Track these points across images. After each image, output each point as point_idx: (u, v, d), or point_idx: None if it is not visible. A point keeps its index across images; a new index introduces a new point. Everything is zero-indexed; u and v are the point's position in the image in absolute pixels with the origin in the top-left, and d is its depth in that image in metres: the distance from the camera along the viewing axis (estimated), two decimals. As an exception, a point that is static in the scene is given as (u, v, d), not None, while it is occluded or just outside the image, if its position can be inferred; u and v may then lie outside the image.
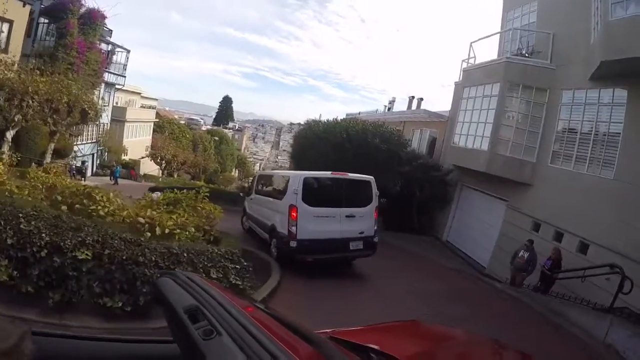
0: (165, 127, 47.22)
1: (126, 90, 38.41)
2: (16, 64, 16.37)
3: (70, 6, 21.88)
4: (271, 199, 8.95)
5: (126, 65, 32.21)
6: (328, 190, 7.96)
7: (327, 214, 7.63)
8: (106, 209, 6.37)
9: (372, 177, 8.54)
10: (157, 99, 49.88)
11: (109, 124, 32.14)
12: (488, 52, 12.88)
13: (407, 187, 15.84)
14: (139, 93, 42.55)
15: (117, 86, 32.28)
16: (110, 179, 26.88)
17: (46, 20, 22.29)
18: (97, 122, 29.10)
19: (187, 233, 6.78)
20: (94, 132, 29.63)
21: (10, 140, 14.20)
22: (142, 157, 36.57)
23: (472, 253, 12.75)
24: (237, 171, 64.57)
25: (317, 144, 15.68)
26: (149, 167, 38.41)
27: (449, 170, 14.87)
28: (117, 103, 35.60)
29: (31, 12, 21.78)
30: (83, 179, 25.19)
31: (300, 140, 17.06)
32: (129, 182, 27.31)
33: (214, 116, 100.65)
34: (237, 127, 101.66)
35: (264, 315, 1.17)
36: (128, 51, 31.90)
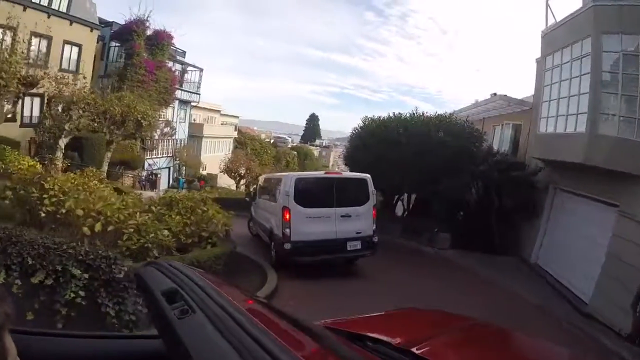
0: (247, 143, 48.48)
1: (205, 108, 40.27)
2: (88, 85, 17.24)
3: (135, 28, 23.06)
4: (269, 202, 8.89)
5: (200, 83, 33.44)
6: (321, 191, 7.73)
7: (321, 215, 7.49)
8: (53, 200, 5.80)
9: (368, 175, 8.39)
10: (237, 117, 51.77)
11: (185, 140, 33.50)
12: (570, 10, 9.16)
13: (485, 193, 12.50)
14: (218, 110, 44.40)
15: (192, 103, 33.64)
16: (177, 189, 27.49)
17: (117, 44, 23.83)
18: (172, 137, 30.63)
19: (148, 237, 5.98)
20: (170, 147, 30.98)
21: (62, 147, 14.53)
22: (220, 171, 37.48)
23: (568, 281, 8.91)
24: None
25: (370, 143, 13.34)
26: (227, 181, 39.38)
27: (537, 170, 11.15)
28: (194, 120, 37.27)
29: (103, 37, 23.54)
30: (155, 189, 26.25)
31: (354, 141, 14.98)
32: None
33: (301, 134, 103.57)
34: (324, 144, 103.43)
35: (250, 301, 1.22)
36: (201, 70, 33.15)
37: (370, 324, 1.81)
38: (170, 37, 25.93)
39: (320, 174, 8.35)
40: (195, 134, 35.91)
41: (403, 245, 12.32)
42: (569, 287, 8.69)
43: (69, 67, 19.50)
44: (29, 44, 17.05)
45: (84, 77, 18.46)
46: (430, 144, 12.11)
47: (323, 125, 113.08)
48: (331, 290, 7.05)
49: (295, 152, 58.19)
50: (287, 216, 7.30)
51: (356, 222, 7.70)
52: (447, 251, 11.61)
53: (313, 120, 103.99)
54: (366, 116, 14.71)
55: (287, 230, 7.30)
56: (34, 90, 14.77)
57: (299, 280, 7.48)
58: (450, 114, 13.82)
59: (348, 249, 7.59)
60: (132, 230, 6.09)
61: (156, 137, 28.17)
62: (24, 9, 16.90)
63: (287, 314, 1.11)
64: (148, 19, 23.93)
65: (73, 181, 10.23)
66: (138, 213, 6.80)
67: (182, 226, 7.01)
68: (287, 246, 7.32)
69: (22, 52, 13.85)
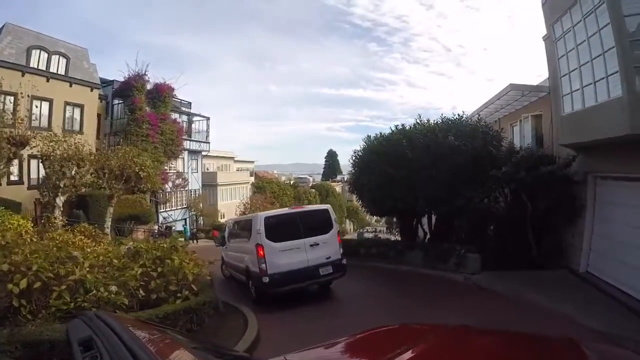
0: (265, 187, 47.97)
1: (217, 156, 40.31)
2: (93, 144, 17.09)
3: (134, 83, 23.39)
4: (242, 243, 9.28)
5: (208, 132, 33.54)
6: (288, 225, 8.22)
7: (292, 247, 7.96)
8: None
9: (328, 205, 9.47)
10: (252, 162, 51.73)
11: (200, 189, 33.15)
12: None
13: (514, 199, 10.92)
14: (232, 157, 44.46)
15: (203, 153, 33.61)
16: (193, 241, 26.67)
17: (120, 101, 24.16)
18: (185, 188, 30.32)
19: (86, 296, 5.18)
20: (185, 198, 30.58)
21: (60, 205, 14.05)
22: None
23: (633, 289, 7.07)
24: (349, 222, 63.46)
25: (374, 163, 12.09)
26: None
27: (569, 160, 9.52)
28: (207, 169, 37.16)
29: (106, 96, 23.96)
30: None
31: (358, 164, 13.64)
32: (207, 243, 26.74)
33: (322, 172, 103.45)
34: (345, 179, 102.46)
35: (172, 343, 1.24)
36: (207, 118, 33.36)
37: (336, 351, 1.67)
38: (170, 89, 26.25)
39: (285, 210, 9.18)
40: (210, 182, 35.65)
41: (426, 276, 10.65)
42: (636, 296, 6.83)
43: (72, 127, 19.65)
44: (30, 107, 17.32)
45: (79, 135, 18.36)
46: (441, 152, 10.74)
47: (342, 160, 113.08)
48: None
49: (316, 191, 57.28)
50: (262, 252, 7.78)
51: (324, 249, 8.23)
52: (479, 276, 9.74)
53: (331, 156, 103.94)
54: (368, 135, 13.45)
55: (263, 265, 7.76)
56: (36, 152, 14.70)
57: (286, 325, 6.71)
58: (459, 115, 12.32)
59: (321, 274, 8.11)
60: (64, 287, 5.03)
61: (168, 189, 28.08)
62: (23, 74, 17.27)
63: (232, 356, 1.29)
64: (146, 73, 24.36)
65: (58, 237, 9.38)
66: (82, 266, 5.73)
67: (143, 280, 6.14)
68: (265, 279, 7.74)
69: (16, 115, 13.80)
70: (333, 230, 8.54)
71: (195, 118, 32.30)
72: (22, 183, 17.21)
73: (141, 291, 5.98)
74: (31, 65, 17.93)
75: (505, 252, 10.18)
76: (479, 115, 13.27)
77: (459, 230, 12.96)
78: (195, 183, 32.51)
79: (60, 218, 14.10)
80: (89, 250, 8.64)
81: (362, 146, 13.41)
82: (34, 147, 13.89)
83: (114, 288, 5.48)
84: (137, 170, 16.54)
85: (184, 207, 30.47)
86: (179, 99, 30.57)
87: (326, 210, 8.85)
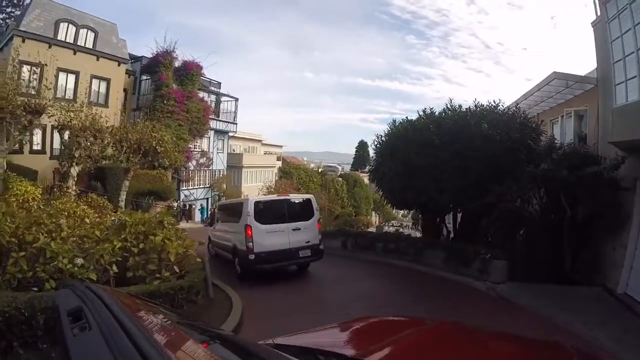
0: (292, 172, 47.52)
1: (245, 138, 40.08)
2: (118, 118, 16.96)
3: (162, 60, 23.11)
4: (231, 224, 9.95)
5: (236, 113, 33.19)
6: (275, 210, 9.05)
7: (276, 229, 8.69)
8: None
9: (311, 195, 10.12)
10: (281, 146, 51.29)
11: (224, 170, 33.02)
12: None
13: (550, 201, 9.61)
14: (260, 140, 44.13)
15: (230, 133, 33.35)
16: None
17: (147, 77, 24.04)
18: (209, 167, 30.22)
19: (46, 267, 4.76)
20: (208, 178, 30.53)
21: (74, 175, 13.89)
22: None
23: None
24: (375, 214, 62.37)
25: (398, 149, 11.03)
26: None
27: (618, 161, 8.12)
28: (234, 150, 37.01)
29: (134, 72, 23.90)
30: (189, 220, 25.49)
31: (379, 150, 12.60)
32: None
33: (352, 162, 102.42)
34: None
35: (161, 318, 1.22)
36: (236, 99, 32.97)
37: (323, 337, 1.75)
38: (199, 67, 25.89)
39: (273, 196, 10.43)
40: (235, 164, 35.47)
41: (444, 280, 9.61)
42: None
43: (97, 100, 19.67)
44: (56, 78, 17.33)
45: (101, 108, 18.25)
46: (472, 141, 9.55)
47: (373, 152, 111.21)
48: None
49: (343, 180, 56.27)
50: (250, 232, 8.50)
51: (305, 233, 9.04)
52: (503, 286, 8.55)
53: (362, 147, 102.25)
54: (393, 120, 12.39)
55: (250, 243, 8.49)
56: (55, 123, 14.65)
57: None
58: (495, 103, 10.89)
59: (300, 255, 8.97)
60: (23, 254, 4.49)
61: (191, 167, 28.02)
62: (49, 47, 17.26)
63: (218, 335, 1.17)
64: (174, 50, 24.04)
65: (60, 206, 9.01)
66: (59, 234, 5.28)
67: (122, 255, 5.88)
68: (251, 257, 8.48)
69: (41, 85, 13.70)
70: (314, 218, 9.37)
71: (223, 98, 31.97)
72: (45, 153, 17.41)
73: (114, 267, 5.58)
74: (59, 38, 17.93)
75: (535, 261, 8.98)
76: (517, 106, 11.79)
77: (486, 232, 11.70)
78: (220, 163, 32.39)
79: (74, 188, 13.98)
80: (87, 220, 8.39)
81: (386, 131, 12.34)
82: (51, 116, 13.75)
83: (79, 261, 5.11)
84: (155, 145, 16.21)
85: (207, 187, 30.43)
86: (209, 78, 30.31)
87: (309, 200, 9.67)
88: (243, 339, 1.18)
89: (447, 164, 9.72)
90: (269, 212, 8.94)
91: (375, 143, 12.55)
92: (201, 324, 1.44)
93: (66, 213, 8.34)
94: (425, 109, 11.37)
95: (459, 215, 12.51)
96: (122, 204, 16.45)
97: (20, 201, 10.63)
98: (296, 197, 10.10)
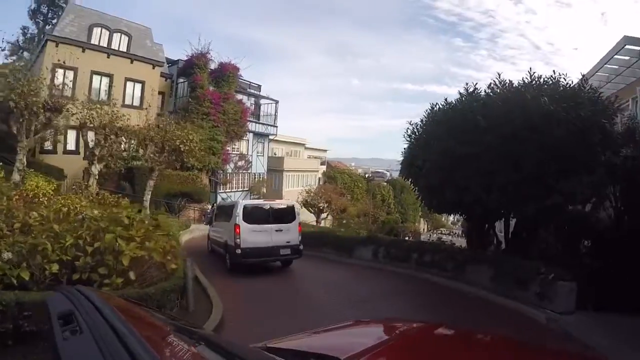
0: (336, 177, 45.99)
1: (287, 142, 39.24)
2: (153, 120, 16.58)
3: (196, 61, 22.67)
4: (224, 222, 10.97)
5: (276, 115, 32.31)
6: (261, 213, 9.97)
7: (261, 229, 9.62)
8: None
9: (294, 202, 11.46)
10: (325, 150, 49.93)
11: (264, 174, 32.23)
12: None
13: (630, 203, 7.12)
14: (303, 144, 43.08)
15: (270, 136, 32.55)
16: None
17: (184, 80, 23.79)
18: (248, 170, 29.51)
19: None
20: (247, 181, 29.83)
21: (95, 174, 13.57)
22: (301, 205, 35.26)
23: None
24: (423, 222, 59.03)
25: (433, 138, 8.97)
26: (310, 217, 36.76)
27: None
28: (275, 153, 36.19)
29: (171, 75, 23.74)
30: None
31: (414, 140, 10.30)
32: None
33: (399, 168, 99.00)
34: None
35: (152, 321, 1.24)
36: (276, 102, 32.12)
37: (315, 341, 1.74)
38: (235, 68, 25.23)
39: (261, 202, 11.91)
40: (276, 167, 34.57)
41: (490, 305, 7.41)
42: None
43: (132, 102, 19.50)
44: (90, 81, 17.29)
45: (147, 112, 17.94)
46: (528, 120, 7.22)
47: None
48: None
49: (390, 186, 53.67)
50: (238, 230, 9.34)
51: (286, 234, 9.86)
52: (570, 317, 6.21)
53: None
54: (432, 104, 9.92)
55: (238, 240, 9.34)
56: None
57: None
58: (557, 74, 8.10)
59: (281, 253, 9.80)
60: None
61: (229, 170, 27.40)
62: (83, 50, 17.29)
63: (209, 338, 1.19)
64: (209, 51, 23.56)
65: (62, 201, 8.47)
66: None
67: (70, 254, 4.94)
68: (238, 251, 9.33)
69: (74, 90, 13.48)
70: (295, 221, 10.21)
71: (263, 101, 31.22)
72: (78, 153, 17.39)
73: (55, 267, 4.69)
74: (92, 42, 18.00)
75: (613, 284, 6.50)
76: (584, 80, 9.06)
77: (545, 242, 9.18)
78: (260, 167, 31.59)
79: (95, 186, 13.46)
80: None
81: (423, 118, 10.15)
82: (74, 114, 13.36)
83: (6, 255, 4.40)
84: (178, 144, 15.42)
85: (245, 190, 29.68)
86: (248, 80, 29.71)
87: (292, 206, 10.54)
88: (234, 342, 1.12)
89: (495, 151, 7.48)
90: (255, 214, 9.84)
91: (409, 132, 10.39)
92: (193, 327, 1.41)
93: (65, 209, 7.55)
94: (468, 84, 8.98)
95: (513, 220, 10.05)
96: (147, 204, 15.80)
97: (30, 196, 10.18)
98: (281, 203, 11.14)
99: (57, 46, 16.68)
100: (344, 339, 1.75)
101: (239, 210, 9.58)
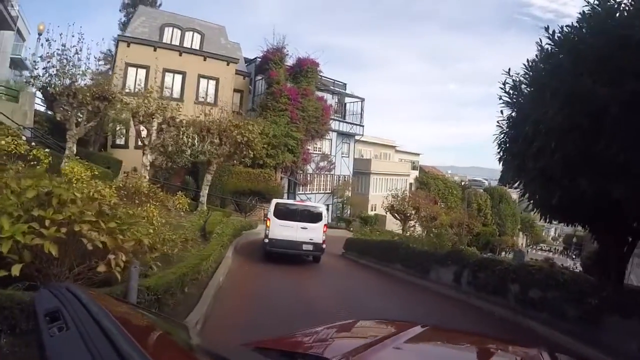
0: (429, 182, 40.59)
1: (376, 143, 35.60)
2: (228, 117, 15.33)
3: (271, 57, 20.81)
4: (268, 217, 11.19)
5: (362, 114, 29.04)
6: (290, 210, 10.51)
7: (288, 225, 10.08)
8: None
9: (323, 205, 12.21)
10: (418, 154, 44.64)
11: (349, 176, 29.16)
12: None
13: None
14: (393, 146, 38.81)
15: (356, 137, 29.40)
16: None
17: (261, 77, 22.25)
18: (331, 172, 26.73)
19: None
20: (329, 183, 27.09)
21: (147, 164, 12.44)
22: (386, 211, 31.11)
23: None
24: (522, 235, 50.89)
25: (552, 82, 4.57)
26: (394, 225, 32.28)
27: None
28: (362, 155, 32.85)
29: (249, 73, 22.37)
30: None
31: (516, 99, 5.61)
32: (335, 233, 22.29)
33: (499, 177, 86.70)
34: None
35: (139, 319, 1.17)
36: (362, 100, 28.85)
37: (303, 341, 1.60)
38: (314, 63, 22.78)
39: (292, 201, 12.46)
40: (362, 170, 31.19)
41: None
42: None
43: (206, 99, 18.35)
44: (162, 79, 16.58)
45: (220, 108, 16.57)
46: None
47: None
48: None
49: (487, 194, 45.73)
50: (269, 224, 10.20)
51: (310, 232, 10.26)
52: None
53: None
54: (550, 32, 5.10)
55: (268, 232, 10.17)
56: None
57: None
58: None
59: (303, 248, 10.27)
60: None
61: (310, 170, 24.98)
62: (154, 49, 16.74)
63: (196, 338, 1.18)
64: (285, 46, 21.54)
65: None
66: None
67: None
68: (266, 241, 10.14)
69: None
70: (321, 222, 10.48)
71: (347, 100, 28.27)
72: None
73: None
74: (164, 41, 17.48)
75: None
76: None
77: None
78: (345, 168, 28.62)
79: (145, 176, 12.06)
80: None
81: (531, 62, 5.65)
82: (127, 104, 12.19)
83: None
84: (235, 134, 13.35)
85: (327, 192, 26.92)
86: (331, 78, 27.09)
87: (320, 209, 10.98)
88: (221, 341, 1.32)
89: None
90: (285, 212, 10.31)
91: (507, 88, 5.95)
92: (181, 325, 1.35)
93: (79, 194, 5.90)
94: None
95: None
96: (203, 199, 14.04)
97: (65, 180, 9.02)
98: (310, 205, 11.80)
99: (128, 46, 16.66)
100: (334, 339, 1.65)
101: (272, 207, 10.45)
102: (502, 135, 5.98)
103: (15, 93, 12.76)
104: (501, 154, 6.15)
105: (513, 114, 5.81)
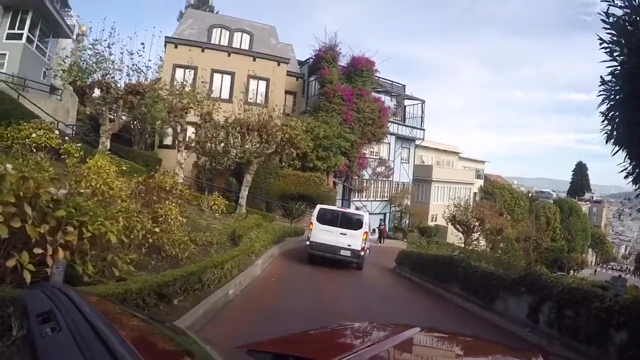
0: (495, 193, 35.50)
1: (438, 149, 31.86)
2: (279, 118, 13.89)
3: (324, 55, 18.86)
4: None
5: (423, 117, 25.81)
6: (332, 216, 10.24)
7: (329, 230, 9.88)
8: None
9: (365, 212, 11.61)
10: (483, 162, 39.54)
11: (409, 183, 25.97)
12: None
13: None
14: (457, 153, 34.54)
15: (416, 142, 26.20)
16: (380, 240, 19.93)
17: (314, 78, 20.41)
18: (388, 178, 23.83)
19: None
20: (387, 190, 24.17)
21: (182, 162, 11.29)
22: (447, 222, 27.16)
23: None
24: (592, 252, 45.32)
25: None
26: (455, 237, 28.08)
27: None
28: (423, 161, 29.37)
29: (302, 75, 20.68)
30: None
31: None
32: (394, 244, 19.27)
33: (567, 189, 76.16)
34: (594, 199, 72.54)
35: (132, 320, 1.11)
36: (422, 102, 25.66)
37: (299, 343, 1.53)
38: (369, 62, 20.34)
39: (335, 208, 11.66)
40: (423, 176, 27.76)
41: None
42: None
43: (256, 99, 16.86)
44: (210, 79, 15.50)
45: (272, 110, 14.97)
46: None
47: (593, 179, 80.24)
48: None
49: (556, 206, 39.00)
50: (311, 227, 10.08)
51: (349, 239, 9.88)
52: None
53: (580, 170, 73.61)
54: None
55: (309, 234, 10.12)
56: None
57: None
58: None
59: (340, 253, 9.88)
60: None
61: (366, 176, 22.38)
62: (202, 50, 15.79)
63: (189, 337, 1.10)
64: (337, 44, 19.44)
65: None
66: None
67: None
68: (308, 243, 10.03)
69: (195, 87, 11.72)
70: (361, 229, 9.99)
71: (407, 102, 25.28)
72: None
73: None
74: (212, 42, 16.51)
75: None
76: None
77: None
78: (404, 175, 25.51)
79: (179, 173, 10.63)
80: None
81: None
82: (162, 100, 10.91)
83: None
84: (275, 131, 11.46)
85: (385, 200, 24.00)
86: (390, 80, 24.37)
87: (361, 216, 10.49)
88: (215, 342, 1.08)
89: None
90: (327, 217, 10.14)
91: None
92: (174, 327, 1.29)
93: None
94: None
95: None
96: (243, 201, 12.26)
97: (85, 173, 8.07)
98: (352, 212, 11.36)
99: (176, 47, 15.96)
100: (328, 342, 1.56)
101: (316, 212, 10.27)
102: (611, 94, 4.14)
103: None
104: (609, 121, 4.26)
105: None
